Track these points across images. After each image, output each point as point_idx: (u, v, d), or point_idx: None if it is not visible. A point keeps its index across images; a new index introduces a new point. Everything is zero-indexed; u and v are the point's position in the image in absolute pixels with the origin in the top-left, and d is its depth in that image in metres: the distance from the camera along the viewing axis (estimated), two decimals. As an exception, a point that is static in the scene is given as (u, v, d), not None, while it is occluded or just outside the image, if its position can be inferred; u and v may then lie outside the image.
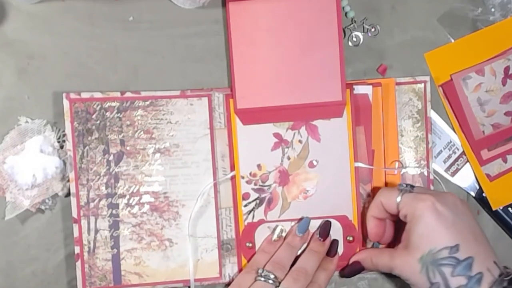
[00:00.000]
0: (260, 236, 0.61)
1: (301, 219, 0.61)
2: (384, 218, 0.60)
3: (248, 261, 0.61)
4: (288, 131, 0.61)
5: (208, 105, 0.62)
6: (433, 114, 0.64)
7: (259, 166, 0.61)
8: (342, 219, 0.61)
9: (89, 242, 0.60)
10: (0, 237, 0.61)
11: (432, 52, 0.64)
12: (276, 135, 0.61)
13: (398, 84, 0.63)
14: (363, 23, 0.63)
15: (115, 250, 0.61)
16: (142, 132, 0.61)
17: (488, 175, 0.64)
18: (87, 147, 0.60)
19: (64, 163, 0.60)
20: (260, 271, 0.57)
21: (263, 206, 0.62)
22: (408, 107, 0.63)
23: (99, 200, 0.60)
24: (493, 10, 0.64)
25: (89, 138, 0.60)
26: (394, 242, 0.61)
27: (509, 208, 0.64)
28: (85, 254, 0.60)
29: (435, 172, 0.64)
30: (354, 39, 0.63)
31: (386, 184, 0.63)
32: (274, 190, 0.62)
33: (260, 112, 0.60)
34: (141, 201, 0.61)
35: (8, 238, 0.61)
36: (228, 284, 0.60)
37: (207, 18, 0.62)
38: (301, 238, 0.60)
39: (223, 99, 0.62)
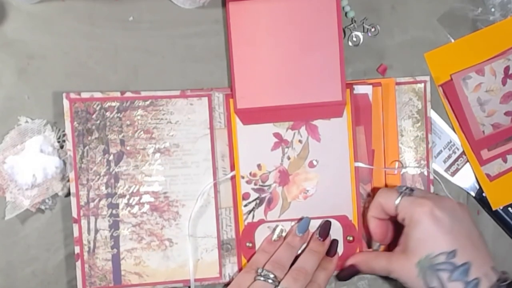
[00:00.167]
0: (260, 236, 0.61)
1: (301, 219, 0.61)
2: (385, 219, 0.60)
3: (248, 261, 0.61)
4: (288, 131, 0.61)
5: (208, 105, 0.62)
6: (433, 114, 0.64)
7: (259, 166, 0.61)
8: (342, 219, 0.61)
9: (89, 242, 0.60)
10: (0, 237, 0.61)
11: (432, 52, 0.64)
12: (276, 135, 0.61)
13: (398, 84, 0.63)
14: (363, 23, 0.63)
15: (115, 250, 0.61)
16: (142, 132, 0.61)
17: (488, 175, 0.64)
18: (87, 147, 0.60)
19: (64, 163, 0.60)
20: (259, 270, 0.57)
21: (263, 206, 0.62)
22: (408, 107, 0.63)
23: (99, 200, 0.60)
24: (493, 10, 0.64)
25: (89, 138, 0.60)
26: (391, 245, 0.61)
27: (509, 208, 0.64)
28: (85, 254, 0.60)
29: (435, 172, 0.64)
30: (354, 39, 0.63)
31: (386, 185, 0.63)
32: (274, 190, 0.62)
33: (260, 112, 0.60)
34: (141, 201, 0.61)
35: (8, 238, 0.61)
36: (228, 283, 0.60)
37: (207, 18, 0.62)
38: (301, 238, 0.60)
39: (223, 99, 0.62)
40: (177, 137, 0.61)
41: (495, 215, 0.65)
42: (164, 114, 0.61)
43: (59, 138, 0.61)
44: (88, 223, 0.60)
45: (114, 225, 0.61)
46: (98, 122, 0.60)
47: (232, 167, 0.61)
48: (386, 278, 0.63)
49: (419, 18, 0.64)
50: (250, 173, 0.61)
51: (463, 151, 0.64)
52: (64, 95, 0.60)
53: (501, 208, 0.64)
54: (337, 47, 0.60)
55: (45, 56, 0.61)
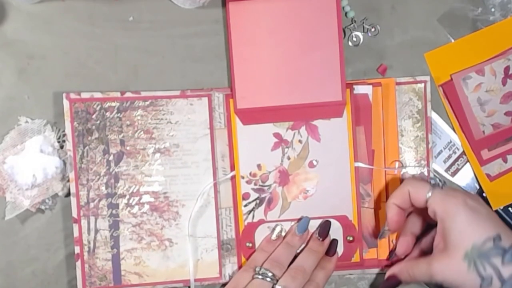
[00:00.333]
0: (260, 236, 0.61)
1: (300, 218, 0.61)
2: (406, 208, 0.59)
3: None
4: (288, 131, 0.61)
5: (208, 105, 0.62)
6: (433, 114, 0.64)
7: (259, 166, 0.61)
8: (342, 219, 0.61)
9: (89, 242, 0.60)
10: (0, 237, 0.61)
11: (432, 52, 0.64)
12: (276, 135, 0.61)
13: (398, 84, 0.63)
14: (363, 23, 0.63)
15: (115, 250, 0.61)
16: (142, 132, 0.61)
17: (488, 175, 0.64)
18: (87, 147, 0.60)
19: (64, 163, 0.60)
20: (257, 269, 0.57)
21: (263, 206, 0.62)
22: (408, 107, 0.63)
23: (99, 200, 0.60)
24: (493, 10, 0.64)
25: (89, 138, 0.60)
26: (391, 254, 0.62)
27: (509, 208, 0.64)
28: (85, 254, 0.60)
29: (435, 172, 0.64)
30: (354, 39, 0.63)
31: (386, 185, 0.62)
32: (274, 190, 0.62)
33: (260, 112, 0.60)
34: (141, 201, 0.61)
35: (8, 238, 0.61)
36: (227, 283, 0.60)
37: (207, 18, 0.62)
38: (300, 237, 0.60)
39: (223, 99, 0.62)
40: (177, 137, 0.61)
41: (495, 215, 0.65)
42: (164, 114, 0.61)
43: (59, 138, 0.61)
44: (88, 223, 0.60)
45: (114, 225, 0.61)
46: (98, 122, 0.60)
47: (232, 167, 0.61)
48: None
49: (419, 18, 0.64)
50: (250, 173, 0.61)
51: (463, 151, 0.64)
52: (64, 95, 0.60)
53: (501, 208, 0.64)
54: (337, 47, 0.60)
55: (45, 56, 0.61)
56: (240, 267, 0.61)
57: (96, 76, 0.61)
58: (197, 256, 0.62)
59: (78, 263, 0.60)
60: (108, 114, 0.61)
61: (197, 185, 0.61)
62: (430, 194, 0.56)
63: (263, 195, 0.62)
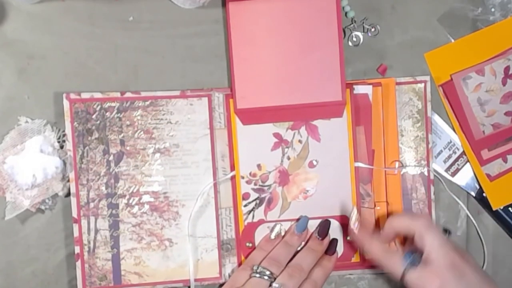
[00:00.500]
0: (260, 236, 0.61)
1: (299, 218, 0.61)
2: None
3: (247, 260, 0.61)
4: (288, 131, 0.61)
5: (208, 105, 0.62)
6: (433, 114, 0.64)
7: (259, 166, 0.61)
8: (342, 219, 0.61)
9: (89, 242, 0.60)
10: (0, 237, 0.61)
11: (432, 52, 0.64)
12: (276, 135, 0.61)
13: (398, 84, 0.63)
14: (363, 23, 0.63)
15: (115, 250, 0.61)
16: (142, 132, 0.61)
17: (488, 175, 0.64)
18: (87, 147, 0.60)
19: (64, 163, 0.60)
20: (255, 267, 0.57)
21: (263, 206, 0.62)
22: (408, 107, 0.63)
23: (99, 200, 0.60)
24: (493, 10, 0.64)
25: (89, 138, 0.60)
26: None
27: (510, 208, 0.64)
28: (85, 254, 0.60)
29: (435, 172, 0.64)
30: (354, 39, 0.63)
31: (387, 185, 0.62)
32: (274, 190, 0.62)
33: (260, 112, 0.60)
34: (141, 201, 0.61)
35: (8, 238, 0.61)
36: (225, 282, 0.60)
37: (207, 18, 0.62)
38: (299, 236, 0.60)
39: (223, 99, 0.62)
40: (177, 137, 0.61)
41: (495, 215, 0.65)
42: (164, 114, 0.61)
43: (59, 138, 0.61)
44: (88, 223, 0.60)
45: (114, 225, 0.61)
46: (98, 122, 0.60)
47: (232, 167, 0.61)
48: (386, 278, 0.63)
49: (419, 18, 0.64)
50: (250, 173, 0.61)
51: (463, 151, 0.64)
52: (64, 95, 0.60)
53: (502, 208, 0.64)
54: (337, 47, 0.60)
55: (45, 56, 0.61)
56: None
57: (96, 76, 0.61)
58: (197, 256, 0.62)
59: (78, 263, 0.60)
60: (108, 114, 0.61)
61: (197, 185, 0.61)
62: (404, 272, 0.55)
63: (263, 195, 0.62)
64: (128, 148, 0.61)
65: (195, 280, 0.61)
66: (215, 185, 0.62)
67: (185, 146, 0.61)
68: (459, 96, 0.63)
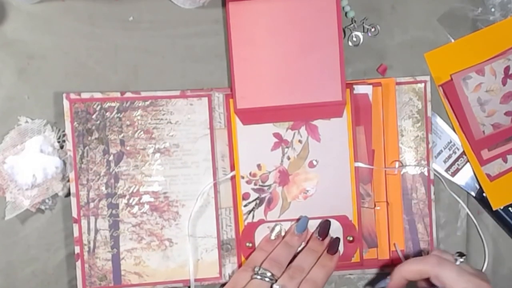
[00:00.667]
0: (260, 236, 0.61)
1: (299, 218, 0.61)
2: None
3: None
4: (288, 131, 0.61)
5: (208, 105, 0.62)
6: (433, 114, 0.64)
7: (259, 166, 0.61)
8: (342, 219, 0.61)
9: (89, 242, 0.60)
10: (0, 237, 0.61)
11: (432, 52, 0.64)
12: (276, 135, 0.61)
13: (398, 84, 0.63)
14: (363, 23, 0.63)
15: (115, 250, 0.61)
16: (142, 132, 0.61)
17: (488, 175, 0.64)
18: (87, 147, 0.60)
19: (64, 163, 0.60)
20: (256, 269, 0.57)
21: (263, 206, 0.62)
22: (408, 107, 0.63)
23: (99, 200, 0.60)
24: (493, 10, 0.64)
25: (89, 138, 0.60)
26: None
27: (510, 208, 0.64)
28: (85, 254, 0.60)
29: (435, 172, 0.64)
30: (354, 39, 0.63)
31: (387, 185, 0.62)
32: (274, 190, 0.62)
33: (260, 112, 0.60)
34: (141, 201, 0.61)
35: (8, 238, 0.61)
36: (226, 283, 0.60)
37: (207, 18, 0.62)
38: (299, 237, 0.60)
39: (223, 99, 0.62)
40: (177, 137, 0.61)
41: (495, 215, 0.65)
42: (164, 114, 0.61)
43: (59, 138, 0.61)
44: (88, 223, 0.60)
45: (114, 225, 0.61)
46: (98, 122, 0.60)
47: (232, 167, 0.61)
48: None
49: (419, 18, 0.64)
50: (250, 173, 0.61)
51: (463, 151, 0.64)
52: (64, 95, 0.60)
53: (502, 208, 0.64)
54: (337, 47, 0.60)
55: (45, 56, 0.61)
56: (240, 267, 0.61)
57: (96, 76, 0.61)
58: (197, 256, 0.62)
59: (78, 263, 0.60)
60: (108, 114, 0.61)
61: (197, 185, 0.61)
62: None
63: (263, 195, 0.62)
64: (128, 148, 0.61)
65: (195, 280, 0.61)
66: (215, 185, 0.62)
67: (185, 146, 0.61)
68: (459, 96, 0.63)
